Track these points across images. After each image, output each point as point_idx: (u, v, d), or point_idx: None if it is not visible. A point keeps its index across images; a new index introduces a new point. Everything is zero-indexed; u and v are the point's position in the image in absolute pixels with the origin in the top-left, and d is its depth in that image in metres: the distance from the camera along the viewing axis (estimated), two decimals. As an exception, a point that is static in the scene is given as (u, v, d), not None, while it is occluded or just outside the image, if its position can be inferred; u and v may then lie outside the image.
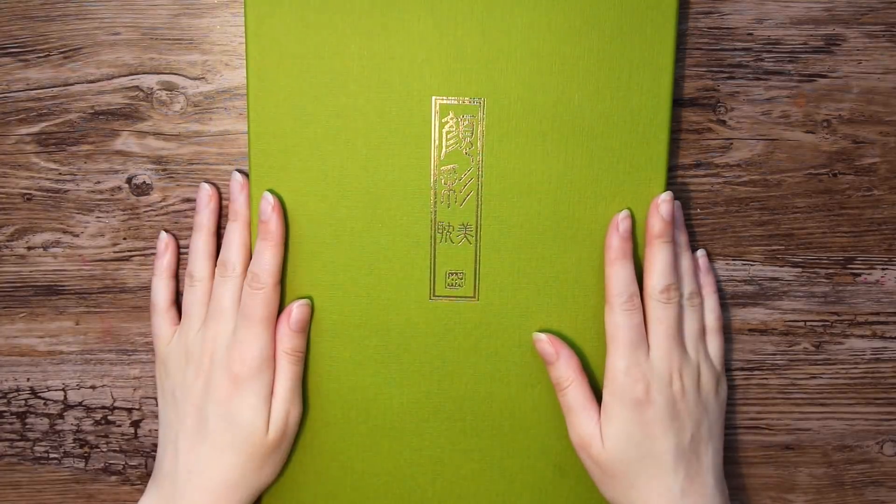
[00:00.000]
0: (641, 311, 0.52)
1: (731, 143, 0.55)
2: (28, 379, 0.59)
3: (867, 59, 0.53)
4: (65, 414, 0.59)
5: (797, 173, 0.55)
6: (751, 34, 0.53)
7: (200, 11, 0.54)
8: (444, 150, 0.51)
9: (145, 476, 0.60)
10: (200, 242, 0.54)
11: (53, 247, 0.57)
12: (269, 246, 0.52)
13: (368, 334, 0.54)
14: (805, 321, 0.57)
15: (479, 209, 0.52)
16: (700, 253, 0.55)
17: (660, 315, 0.52)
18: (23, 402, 0.60)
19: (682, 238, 0.54)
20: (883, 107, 0.54)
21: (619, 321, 0.51)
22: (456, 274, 0.53)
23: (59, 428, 0.59)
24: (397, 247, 0.52)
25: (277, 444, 0.53)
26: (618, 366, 0.51)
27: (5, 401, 0.60)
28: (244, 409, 0.52)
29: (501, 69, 0.51)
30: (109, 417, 0.59)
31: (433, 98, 0.51)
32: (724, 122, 0.55)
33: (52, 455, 0.60)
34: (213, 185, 0.55)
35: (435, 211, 0.52)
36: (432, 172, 0.52)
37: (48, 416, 0.59)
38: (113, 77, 0.55)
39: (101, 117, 0.55)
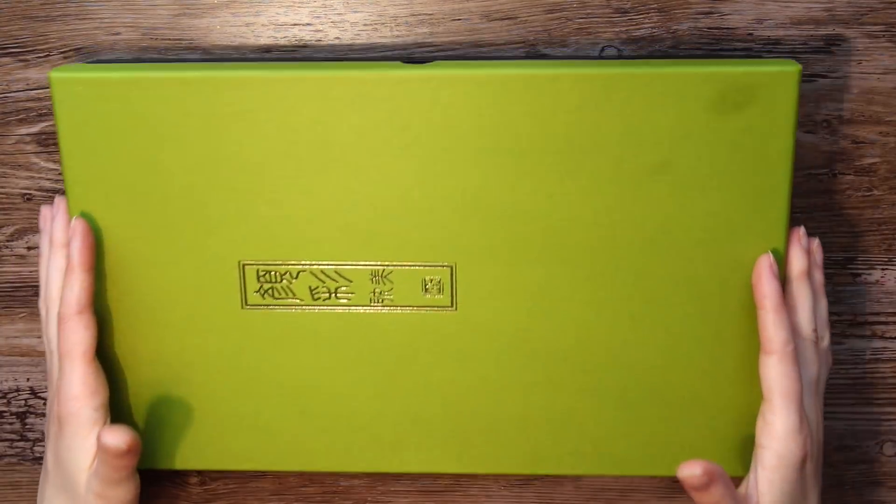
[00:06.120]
0: None
1: (731, 143, 0.55)
2: (28, 379, 0.59)
3: (867, 59, 0.53)
4: (65, 414, 0.59)
5: (797, 173, 0.55)
6: (751, 34, 0.53)
7: (200, 11, 0.54)
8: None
9: (144, 475, 0.60)
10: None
11: (53, 247, 0.57)
12: (69, 274, 0.49)
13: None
14: (805, 321, 0.57)
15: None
16: (816, 245, 0.52)
17: (811, 359, 0.50)
18: (23, 402, 0.59)
19: (819, 277, 0.52)
20: (883, 107, 0.54)
21: (789, 373, 0.47)
22: None
23: (59, 428, 0.59)
24: None
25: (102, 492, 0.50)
26: (788, 424, 0.47)
27: (5, 401, 0.60)
28: (64, 451, 0.50)
29: None
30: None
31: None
32: (724, 122, 0.55)
33: (52, 455, 0.60)
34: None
35: None
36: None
37: (48, 416, 0.59)
38: (113, 77, 0.55)
39: (101, 117, 0.55)
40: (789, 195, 0.49)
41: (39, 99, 0.55)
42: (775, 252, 0.49)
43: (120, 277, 0.51)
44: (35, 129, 0.55)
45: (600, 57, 0.53)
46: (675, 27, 0.53)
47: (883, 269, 0.56)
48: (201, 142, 0.49)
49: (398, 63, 0.50)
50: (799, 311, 0.50)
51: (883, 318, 0.57)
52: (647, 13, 0.53)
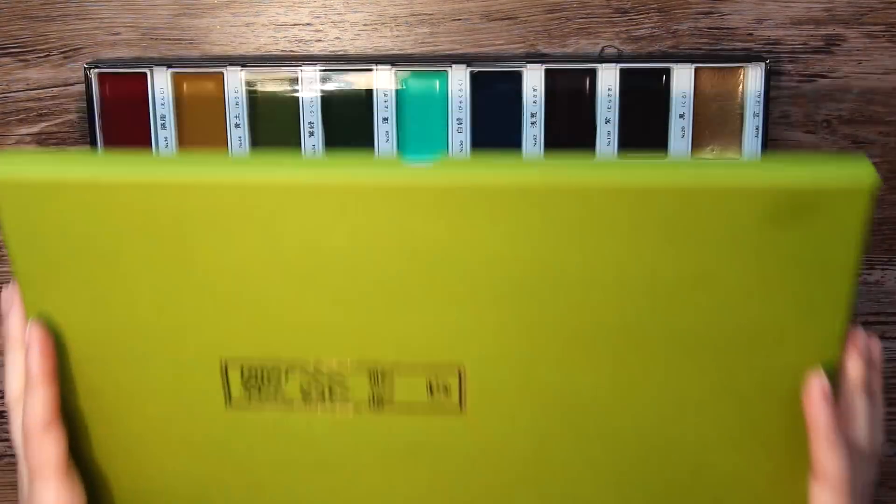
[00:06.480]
0: None
1: (731, 143, 0.55)
2: (28, 379, 0.59)
3: (867, 59, 0.53)
4: (65, 414, 0.59)
5: (797, 173, 0.55)
6: (751, 34, 0.53)
7: (200, 11, 0.54)
8: None
9: None
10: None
11: (53, 247, 0.57)
12: (30, 389, 0.44)
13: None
14: (805, 321, 0.57)
15: None
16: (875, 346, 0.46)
17: (864, 470, 0.45)
18: (23, 402, 0.60)
19: (878, 381, 0.46)
20: (883, 107, 0.54)
21: None
22: None
23: (59, 428, 0.59)
24: None
25: None
26: None
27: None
28: None
29: None
30: (109, 417, 0.59)
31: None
32: (724, 122, 0.55)
33: (52, 455, 0.60)
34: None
35: None
36: None
37: (48, 416, 0.59)
38: (113, 77, 0.55)
39: (101, 117, 0.55)
40: (849, 310, 0.43)
41: (39, 99, 0.55)
42: (827, 364, 0.44)
43: (88, 380, 0.46)
44: (35, 129, 0.55)
45: (600, 57, 0.53)
46: (675, 27, 0.53)
47: (883, 269, 0.56)
48: (172, 245, 0.42)
49: (396, 159, 0.42)
50: (856, 426, 0.45)
51: (883, 318, 0.57)
52: (647, 13, 0.53)
